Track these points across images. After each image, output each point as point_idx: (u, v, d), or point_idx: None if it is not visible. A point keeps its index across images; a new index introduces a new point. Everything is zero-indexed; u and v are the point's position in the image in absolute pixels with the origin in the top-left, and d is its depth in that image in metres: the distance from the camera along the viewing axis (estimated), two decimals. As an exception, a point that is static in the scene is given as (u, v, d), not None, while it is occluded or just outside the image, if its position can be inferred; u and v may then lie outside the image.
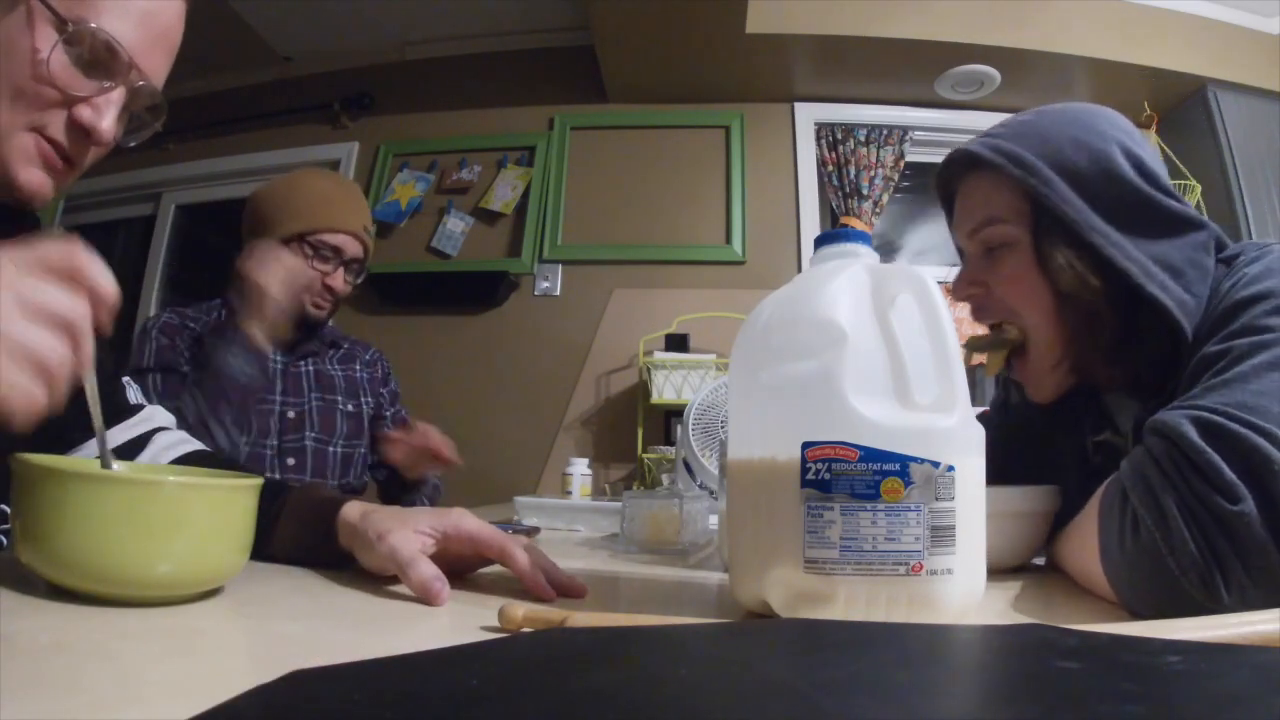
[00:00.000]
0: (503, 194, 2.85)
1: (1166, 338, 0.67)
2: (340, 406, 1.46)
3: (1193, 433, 0.50)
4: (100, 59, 0.58)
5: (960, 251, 0.84)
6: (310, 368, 1.45)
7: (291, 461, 1.37)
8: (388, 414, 1.56)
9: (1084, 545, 0.61)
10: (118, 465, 0.57)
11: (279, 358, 1.40)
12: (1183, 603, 0.48)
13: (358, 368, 1.54)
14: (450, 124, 3.00)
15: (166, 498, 0.45)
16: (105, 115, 0.59)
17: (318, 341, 1.48)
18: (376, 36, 3.02)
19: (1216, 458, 0.48)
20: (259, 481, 0.51)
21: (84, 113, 0.59)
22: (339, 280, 1.40)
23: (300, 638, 0.42)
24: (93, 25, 0.57)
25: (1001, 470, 0.86)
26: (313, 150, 3.09)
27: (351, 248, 1.40)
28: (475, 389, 2.68)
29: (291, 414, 1.39)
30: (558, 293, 2.78)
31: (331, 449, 1.42)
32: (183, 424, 1.12)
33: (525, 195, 2.84)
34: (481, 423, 2.60)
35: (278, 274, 1.26)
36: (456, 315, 2.75)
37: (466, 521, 0.59)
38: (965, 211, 0.78)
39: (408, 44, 3.06)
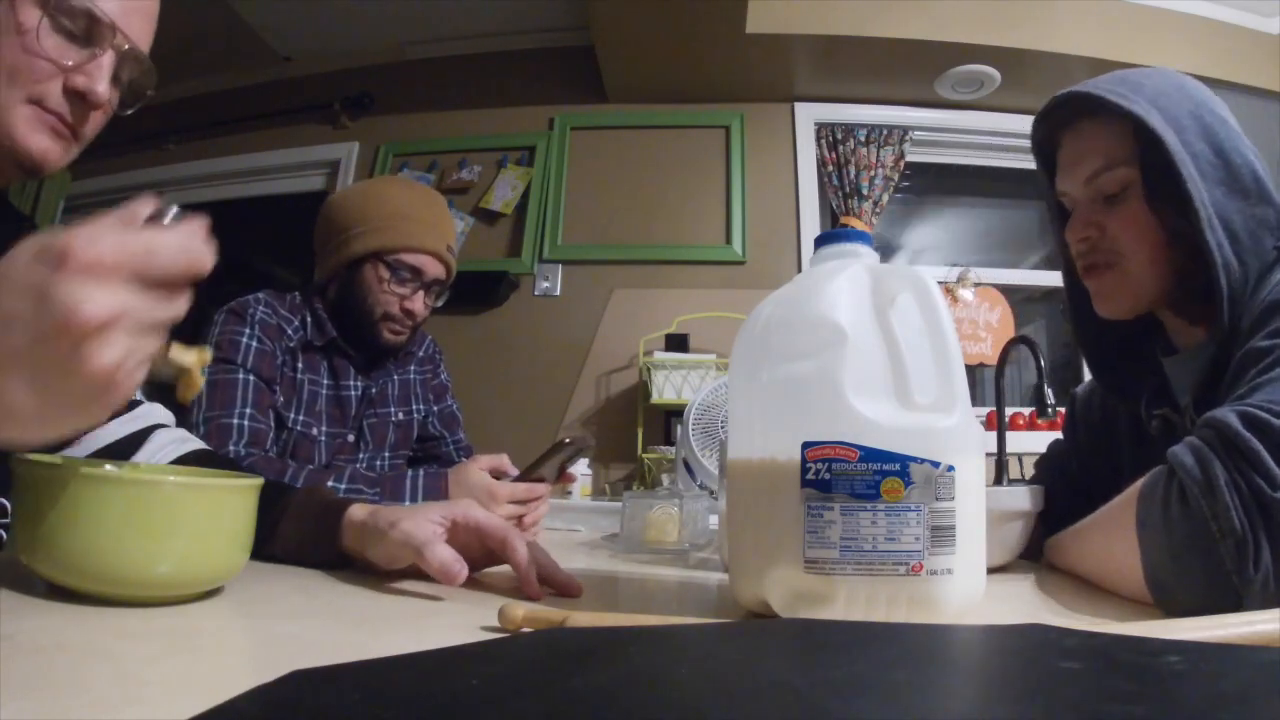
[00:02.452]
0: (503, 194, 2.85)
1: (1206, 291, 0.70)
2: (391, 418, 1.36)
3: (1238, 423, 0.53)
4: (85, 29, 0.61)
5: (1055, 203, 0.86)
6: (374, 391, 1.33)
7: (331, 480, 1.28)
8: (434, 419, 1.45)
9: (1107, 540, 0.62)
10: (111, 466, 0.57)
11: (358, 383, 1.31)
12: (1211, 575, 0.50)
13: (412, 370, 1.41)
14: (450, 124, 3.00)
15: (166, 498, 0.45)
16: (99, 80, 0.62)
17: (388, 359, 1.36)
18: (376, 36, 3.02)
19: (1260, 446, 0.51)
20: (259, 481, 0.51)
21: (78, 79, 0.61)
22: (418, 304, 1.27)
23: (300, 638, 0.42)
24: None
25: (1079, 468, 0.93)
26: (313, 150, 3.09)
27: (433, 269, 1.27)
28: (475, 389, 2.68)
29: (351, 437, 1.30)
30: (558, 293, 2.77)
31: (378, 464, 1.33)
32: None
33: (525, 195, 2.84)
34: (481, 423, 2.60)
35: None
36: (456, 315, 2.75)
37: (474, 511, 0.60)
38: (1077, 157, 0.80)
39: (408, 44, 3.06)
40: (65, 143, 0.64)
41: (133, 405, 0.74)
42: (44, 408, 0.36)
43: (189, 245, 0.37)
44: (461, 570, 0.53)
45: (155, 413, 0.76)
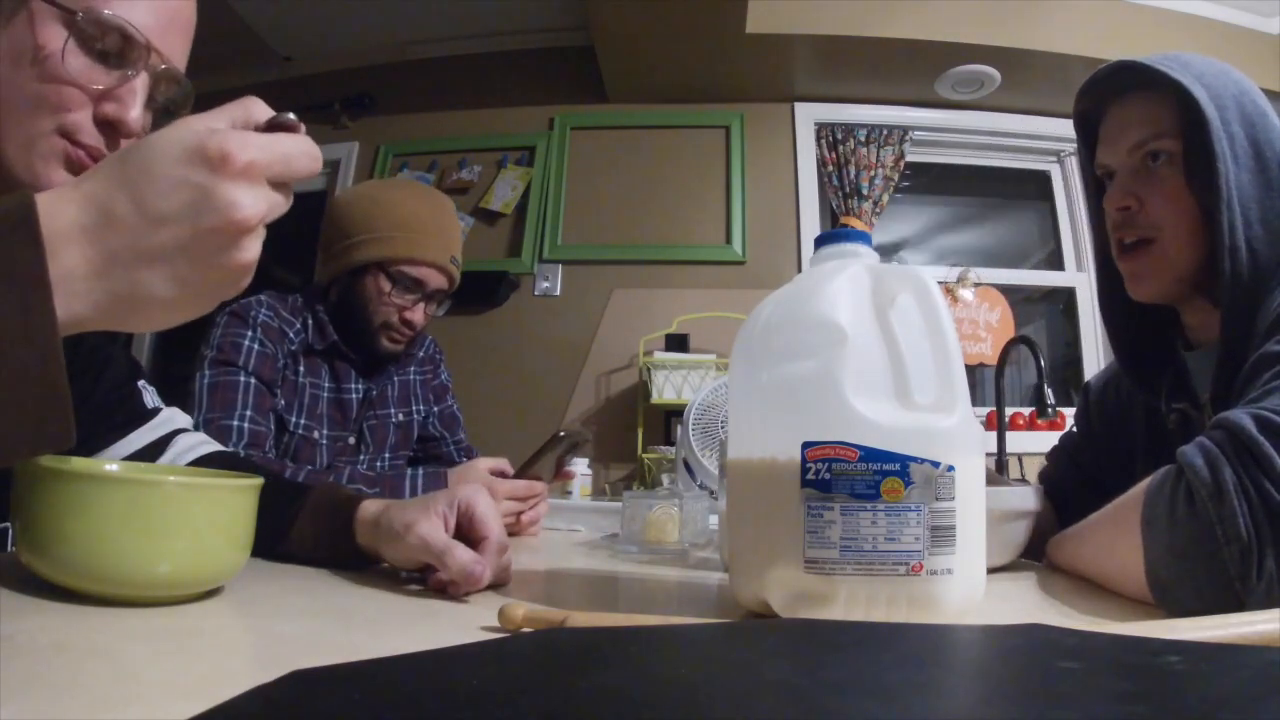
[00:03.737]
0: (503, 194, 2.85)
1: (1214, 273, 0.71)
2: (391, 419, 1.36)
3: (1252, 426, 0.53)
4: (116, 47, 0.55)
5: (1091, 178, 0.87)
6: (374, 393, 1.34)
7: (330, 479, 1.27)
8: (434, 420, 1.46)
9: (1111, 537, 0.62)
10: (111, 466, 0.57)
11: (360, 386, 1.31)
12: (1214, 579, 0.50)
13: (412, 371, 1.41)
14: (450, 124, 3.00)
15: (166, 498, 0.45)
16: (131, 106, 0.56)
17: (389, 363, 1.36)
18: (376, 36, 3.02)
19: (1273, 451, 0.51)
20: (259, 481, 0.51)
21: (108, 108, 0.56)
22: (419, 314, 1.27)
23: (300, 638, 0.42)
24: (105, 11, 0.54)
25: (1091, 460, 0.94)
26: (313, 150, 3.09)
27: (435, 280, 1.26)
28: (475, 389, 2.68)
29: (352, 439, 1.31)
30: (558, 293, 2.77)
31: (379, 465, 1.34)
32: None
33: (525, 195, 2.84)
34: (481, 423, 2.60)
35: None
36: (456, 315, 2.75)
37: (479, 504, 0.59)
38: (1123, 127, 0.81)
39: (408, 44, 3.06)
40: None
41: (153, 413, 0.74)
42: (179, 297, 0.38)
43: (313, 152, 0.41)
44: (484, 572, 0.52)
45: (176, 418, 0.76)
